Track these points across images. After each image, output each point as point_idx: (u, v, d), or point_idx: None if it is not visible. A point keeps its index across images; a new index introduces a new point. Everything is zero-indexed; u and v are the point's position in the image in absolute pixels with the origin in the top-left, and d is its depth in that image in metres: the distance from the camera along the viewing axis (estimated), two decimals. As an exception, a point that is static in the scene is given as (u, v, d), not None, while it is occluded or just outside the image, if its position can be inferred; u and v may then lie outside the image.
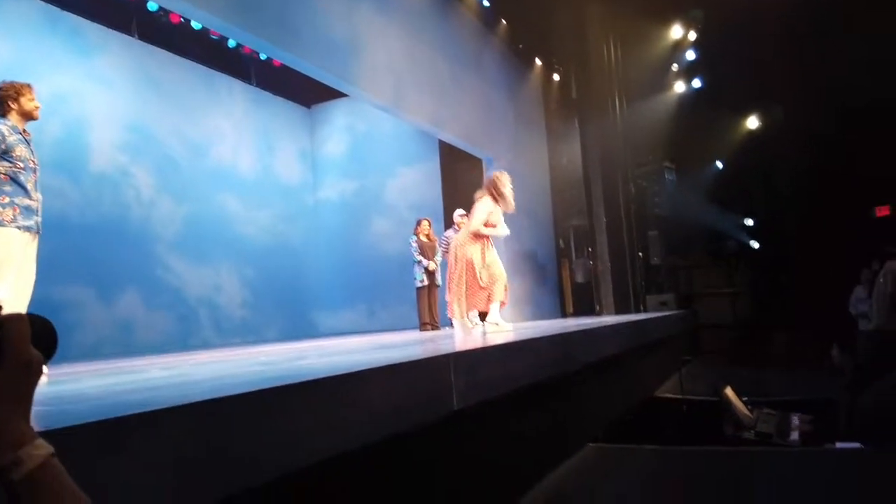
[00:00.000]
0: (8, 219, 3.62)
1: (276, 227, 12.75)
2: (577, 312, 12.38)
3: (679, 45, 11.44)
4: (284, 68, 12.17)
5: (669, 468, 3.41)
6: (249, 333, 11.84)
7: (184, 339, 10.61)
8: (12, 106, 3.78)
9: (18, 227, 3.67)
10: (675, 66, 11.59)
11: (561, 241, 12.87)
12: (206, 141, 11.47)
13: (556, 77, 12.37)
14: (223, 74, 11.84)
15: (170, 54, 10.79)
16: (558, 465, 3.25)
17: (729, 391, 5.33)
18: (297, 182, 13.58)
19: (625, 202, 10.97)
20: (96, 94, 9.65)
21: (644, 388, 5.82)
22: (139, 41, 10.26)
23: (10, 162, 3.67)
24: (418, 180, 12.78)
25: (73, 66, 9.35)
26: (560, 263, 12.86)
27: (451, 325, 8.94)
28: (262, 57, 11.44)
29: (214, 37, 10.61)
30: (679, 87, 11.56)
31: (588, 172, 11.24)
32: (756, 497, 2.94)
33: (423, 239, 8.78)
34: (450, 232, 9.01)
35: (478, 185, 10.84)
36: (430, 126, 8.77)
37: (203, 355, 5.40)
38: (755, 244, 11.65)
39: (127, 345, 9.65)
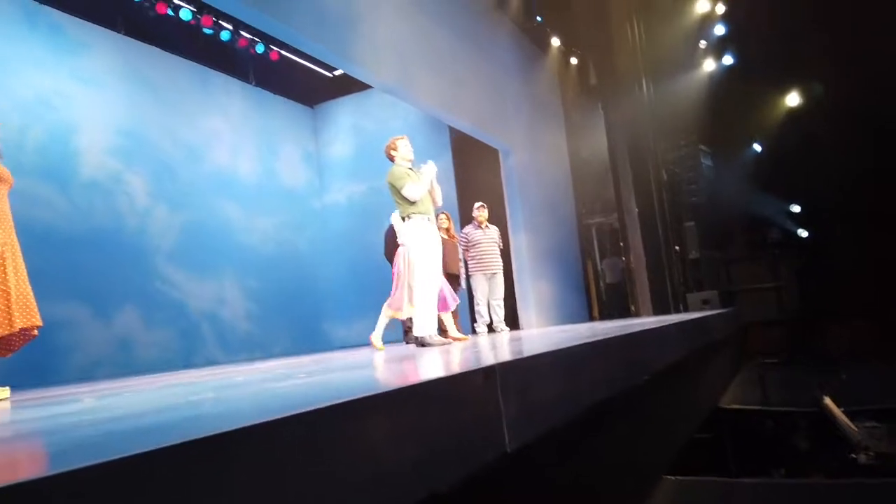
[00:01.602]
0: None
1: (280, 234, 12.01)
2: (606, 315, 11.51)
3: (707, 20, 10.57)
4: (284, 65, 11.54)
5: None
6: (256, 348, 11.08)
7: (187, 357, 9.88)
8: None
9: None
10: (703, 43, 10.71)
11: (585, 241, 12.04)
12: (203, 144, 10.77)
13: (573, 61, 11.53)
14: (219, 73, 11.15)
15: (161, 51, 10.12)
16: (635, 509, 2.44)
17: (829, 401, 4.41)
18: (301, 186, 12.84)
19: (657, 192, 10.09)
20: (83, 96, 8.97)
21: (710, 400, 4.96)
22: (126, 37, 9.58)
23: None
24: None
25: (56, 67, 8.69)
26: (585, 264, 12.02)
27: (474, 332, 8.16)
28: (259, 50, 10.71)
29: (208, 30, 9.90)
30: (709, 64, 10.68)
31: (615, 162, 10.37)
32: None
33: (444, 236, 7.97)
34: (469, 228, 8.21)
35: (494, 177, 10.15)
36: (438, 110, 7.98)
37: (184, 375, 4.62)
38: (803, 232, 10.68)
39: (126, 364, 8.94)
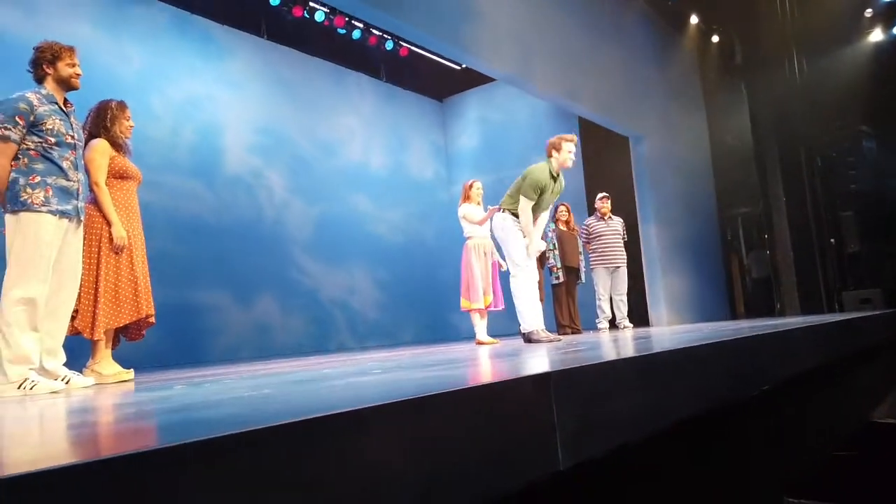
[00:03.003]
0: (38, 202, 3.11)
1: (409, 225, 12.27)
2: (752, 313, 10.62)
3: (874, -15, 9.35)
4: (414, 60, 11.74)
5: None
6: (385, 336, 11.43)
7: (319, 343, 10.40)
8: (47, 70, 3.30)
9: (52, 212, 3.15)
10: (868, 11, 9.48)
11: (728, 232, 11.16)
12: (336, 140, 11.24)
13: (714, 39, 10.70)
14: (352, 71, 11.56)
15: (298, 53, 10.67)
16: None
17: None
18: (430, 178, 13.03)
19: (809, 178, 9.10)
20: (228, 98, 9.67)
21: (859, 413, 4.37)
22: (268, 41, 10.19)
23: (40, 136, 3.16)
24: (558, 169, 11.71)
25: (205, 71, 9.41)
26: (728, 257, 11.15)
27: (596, 328, 7.84)
28: (389, 46, 10.96)
29: (341, 30, 10.28)
30: (876, 35, 9.43)
31: (760, 146, 9.49)
32: None
33: (563, 228, 7.75)
34: (590, 220, 7.90)
35: (625, 166, 9.67)
36: (562, 99, 7.70)
37: (295, 363, 4.81)
38: None
39: (265, 348, 9.57)
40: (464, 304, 5.88)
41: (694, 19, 10.29)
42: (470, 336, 11.06)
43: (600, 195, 7.86)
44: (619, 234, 7.69)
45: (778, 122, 9.46)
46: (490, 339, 5.80)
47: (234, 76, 9.78)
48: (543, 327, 4.90)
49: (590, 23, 8.18)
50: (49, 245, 3.13)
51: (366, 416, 1.07)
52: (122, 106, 3.94)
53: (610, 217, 7.73)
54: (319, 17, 9.84)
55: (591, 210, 8.92)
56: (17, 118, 3.11)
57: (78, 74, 3.38)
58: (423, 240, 12.49)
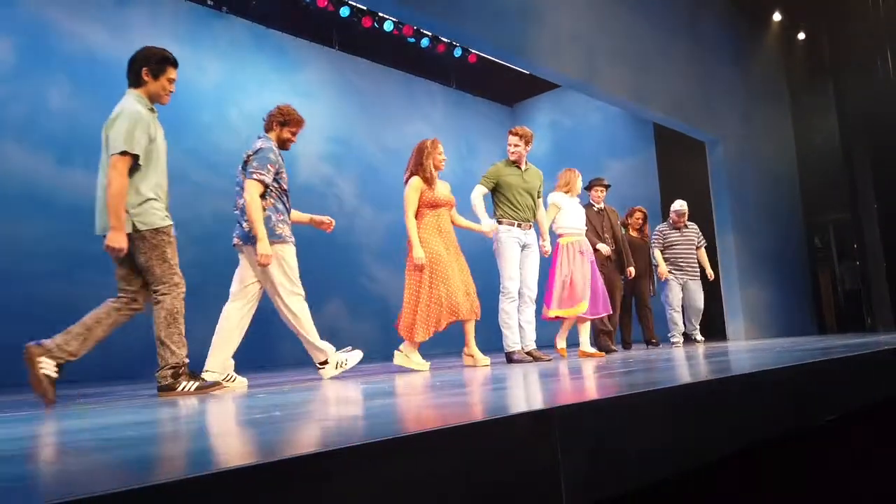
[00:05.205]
0: (286, 234, 3.97)
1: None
2: (843, 328, 9.92)
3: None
4: (483, 67, 11.69)
5: None
6: (453, 344, 11.38)
7: (388, 348, 10.42)
8: (276, 129, 4.04)
9: (293, 243, 4.03)
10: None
11: (817, 240, 10.48)
12: (406, 147, 11.16)
13: (800, 36, 10.09)
14: (422, 78, 11.63)
15: (368, 62, 10.83)
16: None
17: None
18: (499, 184, 12.91)
19: (905, 183, 8.43)
20: (300, 108, 9.61)
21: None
22: (339, 52, 10.40)
23: (279, 183, 3.96)
24: (631, 173, 11.36)
25: (279, 83, 9.70)
26: (816, 267, 10.47)
27: (669, 342, 7.49)
28: (457, 54, 10.96)
29: (410, 39, 10.37)
30: (984, 26, 8.67)
31: (850, 149, 8.86)
32: None
33: (633, 234, 7.47)
34: (662, 226, 7.58)
35: (701, 173, 9.26)
36: (631, 103, 7.45)
37: (349, 375, 4.83)
38: None
39: (333, 353, 9.71)
40: (545, 311, 5.65)
41: (777, 16, 9.76)
42: (546, 346, 10.93)
43: (677, 206, 7.45)
44: (694, 244, 7.32)
45: (869, 124, 8.83)
46: (591, 350, 5.57)
47: (307, 87, 10.04)
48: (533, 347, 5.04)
49: (660, 22, 7.88)
50: (296, 268, 4.07)
51: (322, 462, 1.02)
52: (434, 143, 4.56)
53: (685, 225, 7.35)
54: (388, 26, 9.96)
55: (666, 217, 8.60)
56: (269, 166, 3.85)
57: (292, 142, 4.10)
58: (491, 246, 12.38)
